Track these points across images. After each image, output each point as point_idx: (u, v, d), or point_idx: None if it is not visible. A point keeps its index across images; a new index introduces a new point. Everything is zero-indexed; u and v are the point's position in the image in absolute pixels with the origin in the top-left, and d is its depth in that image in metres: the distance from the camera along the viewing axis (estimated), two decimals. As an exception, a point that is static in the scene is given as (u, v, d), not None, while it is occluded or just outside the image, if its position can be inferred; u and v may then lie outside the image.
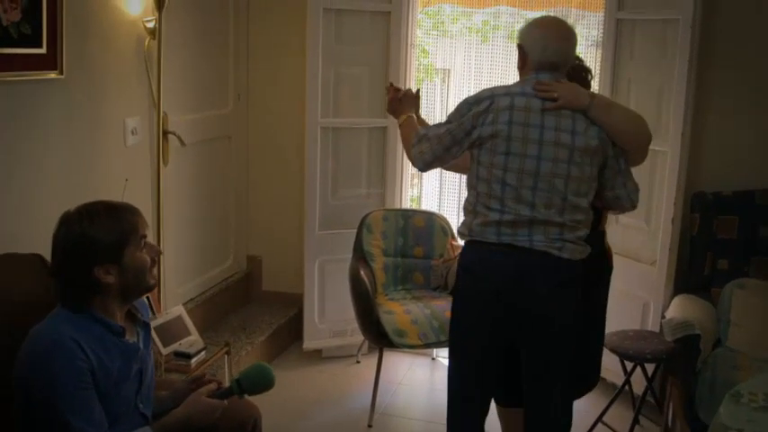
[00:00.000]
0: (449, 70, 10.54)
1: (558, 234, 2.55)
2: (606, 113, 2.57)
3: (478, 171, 2.62)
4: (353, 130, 4.36)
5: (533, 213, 2.54)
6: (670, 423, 3.05)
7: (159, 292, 3.53)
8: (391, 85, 3.17)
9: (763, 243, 3.86)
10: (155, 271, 2.27)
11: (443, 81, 10.72)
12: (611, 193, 2.69)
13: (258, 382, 2.41)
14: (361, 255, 4.08)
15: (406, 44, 4.34)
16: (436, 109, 11.48)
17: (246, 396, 2.41)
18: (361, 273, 3.85)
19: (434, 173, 5.11)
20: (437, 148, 2.67)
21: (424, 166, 2.78)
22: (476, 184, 2.64)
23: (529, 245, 2.55)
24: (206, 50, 4.22)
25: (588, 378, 3.10)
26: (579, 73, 2.87)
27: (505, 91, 2.59)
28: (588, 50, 4.94)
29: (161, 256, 3.61)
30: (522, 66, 2.66)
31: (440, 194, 5.14)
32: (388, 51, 4.30)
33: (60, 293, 2.18)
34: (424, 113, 3.19)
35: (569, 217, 2.56)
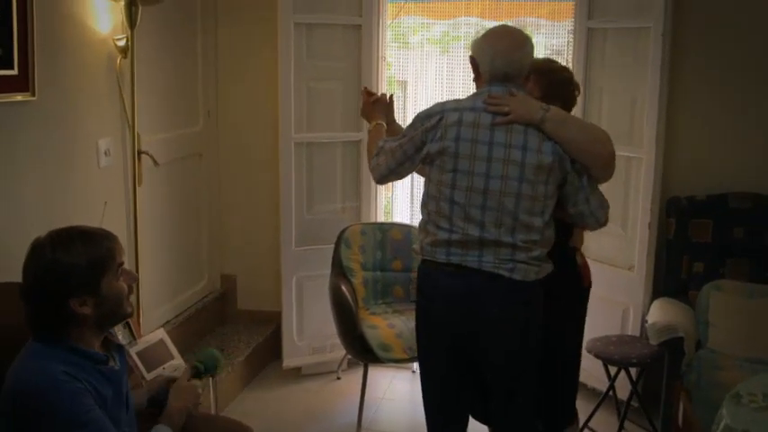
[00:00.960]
0: (405, 82, 10.57)
1: (509, 255, 2.47)
2: (561, 128, 2.45)
3: (429, 188, 2.58)
4: (327, 144, 4.33)
5: (483, 233, 2.47)
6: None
7: (138, 316, 3.45)
8: (365, 89, 3.16)
9: (736, 245, 3.91)
10: (131, 298, 2.17)
11: (402, 92, 10.75)
12: (574, 209, 2.59)
13: (214, 364, 2.74)
14: (340, 270, 4.04)
15: (377, 57, 4.32)
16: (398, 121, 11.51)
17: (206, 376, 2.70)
18: (343, 288, 3.82)
19: (406, 182, 5.11)
20: (390, 162, 2.64)
21: (379, 179, 2.76)
22: (427, 202, 2.59)
23: (478, 266, 2.48)
24: (175, 67, 4.16)
25: (565, 414, 3.00)
26: (566, 87, 2.81)
27: (455, 106, 2.53)
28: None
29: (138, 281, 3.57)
30: (477, 78, 2.60)
31: (411, 205, 5.12)
32: (360, 64, 4.28)
33: (33, 325, 2.05)
34: None
35: (521, 237, 2.47)
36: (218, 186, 4.65)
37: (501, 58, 2.49)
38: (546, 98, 2.58)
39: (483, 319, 2.54)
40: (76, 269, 1.98)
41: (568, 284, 2.80)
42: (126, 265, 2.15)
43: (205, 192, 4.53)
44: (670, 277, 3.98)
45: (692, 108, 3.98)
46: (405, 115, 5.75)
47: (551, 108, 2.46)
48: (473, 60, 2.59)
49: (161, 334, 3.35)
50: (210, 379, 3.09)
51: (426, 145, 2.52)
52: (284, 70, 4.10)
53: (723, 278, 3.87)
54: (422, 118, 2.55)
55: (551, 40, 5.02)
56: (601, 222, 2.62)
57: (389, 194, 5.16)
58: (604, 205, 2.62)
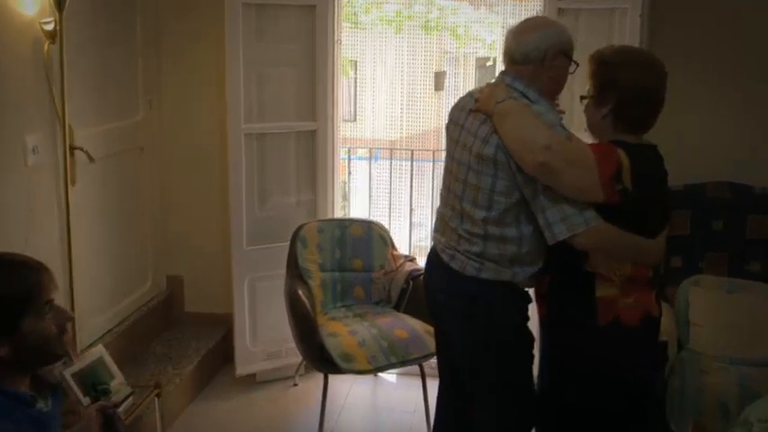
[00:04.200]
0: (355, 62, 10.33)
1: (454, 242, 2.47)
2: (500, 123, 2.30)
3: None
4: (280, 135, 4.02)
5: (444, 215, 2.55)
6: None
7: (73, 331, 3.12)
8: None
9: (716, 237, 3.75)
10: (66, 338, 1.85)
11: (355, 72, 10.50)
12: (537, 220, 2.35)
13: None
14: (296, 272, 3.75)
15: (332, 40, 4.02)
16: (347, 102, 11.24)
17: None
18: (299, 292, 3.53)
19: (364, 173, 4.84)
20: None
21: None
22: None
23: (434, 245, 2.60)
24: (112, 53, 3.79)
25: None
26: (617, 88, 2.36)
27: (473, 92, 2.56)
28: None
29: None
30: None
31: (369, 200, 4.83)
32: (314, 48, 3.97)
33: None
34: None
35: (465, 227, 2.43)
36: (163, 182, 4.30)
37: (507, 42, 2.45)
38: (601, 98, 2.39)
39: (435, 303, 2.64)
40: None
41: (575, 317, 2.43)
42: (59, 300, 1.84)
43: (148, 188, 4.19)
44: (647, 273, 3.77)
45: (667, 94, 3.74)
46: (357, 95, 5.45)
47: (507, 100, 2.32)
48: None
49: (100, 351, 3.06)
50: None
51: None
52: (232, 55, 3.76)
53: (702, 273, 3.71)
54: None
55: (517, 21, 4.74)
56: (557, 239, 2.27)
57: (346, 187, 4.87)
58: (561, 219, 2.26)
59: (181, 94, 4.24)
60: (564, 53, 2.42)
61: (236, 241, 3.94)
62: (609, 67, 2.37)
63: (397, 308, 3.80)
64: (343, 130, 4.56)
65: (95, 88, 3.62)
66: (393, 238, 4.06)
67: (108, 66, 3.74)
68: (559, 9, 3.68)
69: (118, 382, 2.98)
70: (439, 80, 11.16)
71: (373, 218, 4.70)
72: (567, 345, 2.47)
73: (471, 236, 2.41)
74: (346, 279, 3.88)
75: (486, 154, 2.34)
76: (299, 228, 3.83)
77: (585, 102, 2.45)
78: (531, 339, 2.58)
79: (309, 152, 4.09)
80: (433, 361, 3.48)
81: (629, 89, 2.33)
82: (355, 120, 11.40)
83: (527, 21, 2.51)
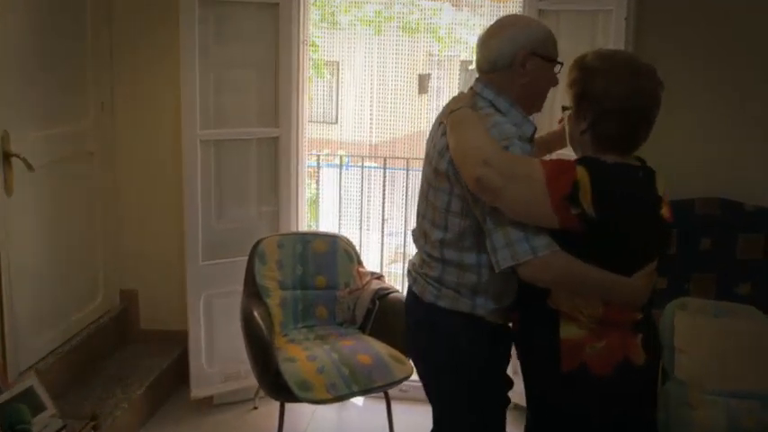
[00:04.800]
0: (337, 62, 10.08)
1: (419, 263, 2.29)
2: (449, 135, 2.08)
3: None
4: (240, 142, 3.76)
5: (413, 233, 2.36)
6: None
7: (4, 357, 2.86)
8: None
9: (703, 257, 3.52)
10: None
11: (332, 74, 10.25)
12: None
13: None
14: (253, 290, 3.49)
15: (298, 41, 3.75)
16: (325, 104, 11.00)
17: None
18: (255, 313, 3.27)
19: (334, 183, 4.57)
20: None
21: None
22: None
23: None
24: (57, 49, 3.50)
25: None
26: (592, 101, 2.08)
27: None
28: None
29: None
30: None
31: (339, 210, 4.56)
32: (278, 50, 3.70)
33: None
34: (316, 111, 2.66)
35: (426, 248, 2.24)
36: (115, 190, 4.02)
37: (476, 49, 2.22)
38: (579, 111, 2.09)
39: (407, 329, 2.41)
40: None
41: (538, 360, 2.17)
42: None
43: (98, 197, 3.90)
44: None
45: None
46: (337, 97, 5.23)
47: (461, 109, 2.09)
48: None
49: (32, 381, 2.79)
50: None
51: None
52: (187, 56, 3.50)
53: (688, 295, 3.47)
54: None
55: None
56: (500, 267, 2.01)
57: (314, 198, 4.61)
58: (506, 244, 1.99)
59: (136, 95, 3.96)
60: (537, 54, 2.13)
61: (192, 255, 3.68)
62: (588, 76, 2.06)
63: (362, 329, 3.54)
64: (324, 133, 4.31)
65: (38, 89, 3.33)
66: (363, 251, 3.81)
67: (53, 63, 3.46)
68: (540, 10, 3.45)
69: (48, 416, 2.72)
70: (423, 83, 10.92)
71: (345, 230, 4.44)
72: (531, 391, 2.23)
73: (431, 259, 2.21)
74: (308, 298, 3.61)
75: (440, 169, 2.12)
76: (258, 243, 3.57)
77: (567, 113, 2.16)
78: (507, 382, 2.32)
79: (271, 160, 3.83)
80: (404, 384, 3.28)
81: (607, 103, 2.02)
82: (337, 122, 11.17)
83: (495, 23, 2.23)
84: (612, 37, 3.22)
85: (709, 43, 3.54)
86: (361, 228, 4.49)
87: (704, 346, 3.27)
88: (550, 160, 2.03)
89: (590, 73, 2.06)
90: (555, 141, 2.49)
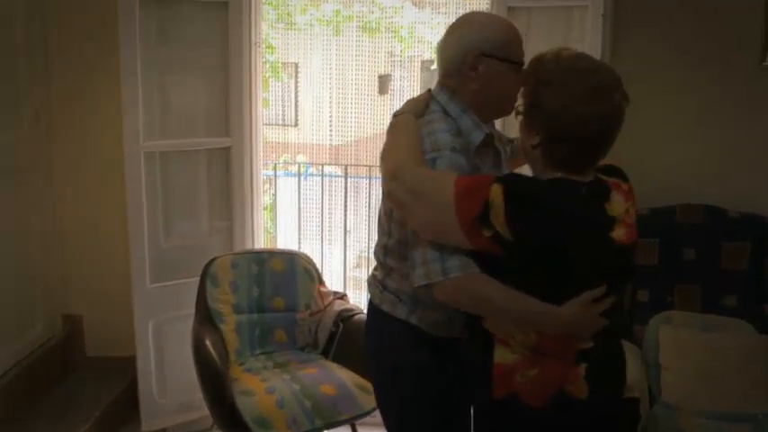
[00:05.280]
0: (296, 64, 9.83)
1: (375, 266, 2.19)
2: (387, 137, 1.98)
3: None
4: (188, 153, 3.49)
5: None
6: None
7: None
8: None
9: (687, 268, 3.33)
10: None
11: (290, 77, 9.99)
12: None
13: None
14: (206, 315, 3.21)
15: (250, 42, 3.48)
16: (285, 107, 10.76)
17: None
18: (207, 342, 3.00)
19: (292, 193, 4.30)
20: None
21: None
22: None
23: None
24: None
25: None
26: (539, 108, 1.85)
27: None
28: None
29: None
30: None
31: (298, 225, 4.27)
32: (228, 52, 3.43)
33: None
34: (274, 114, 2.41)
35: (375, 250, 2.15)
36: (53, 207, 3.71)
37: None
38: (529, 121, 1.84)
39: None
40: None
41: (472, 382, 1.96)
42: None
43: (34, 215, 3.59)
44: (609, 310, 3.30)
45: (631, 104, 3.30)
46: (296, 99, 5.03)
47: (403, 114, 1.96)
48: None
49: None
50: None
51: None
52: (128, 60, 3.21)
53: (672, 308, 3.28)
54: None
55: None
56: (416, 285, 1.87)
57: (271, 210, 4.33)
58: (423, 262, 1.83)
59: (73, 104, 3.67)
60: (490, 55, 1.89)
61: (138, 278, 3.39)
62: (541, 88, 1.78)
63: (325, 354, 3.29)
64: (283, 136, 4.06)
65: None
66: (326, 265, 3.55)
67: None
68: (509, 8, 3.23)
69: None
70: (383, 83, 10.71)
71: (305, 243, 4.17)
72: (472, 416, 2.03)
73: (378, 263, 2.13)
74: (266, 321, 3.35)
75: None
76: (209, 263, 3.30)
77: (520, 119, 1.90)
78: (450, 401, 2.09)
79: (224, 172, 3.56)
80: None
81: (560, 126, 1.75)
82: (297, 125, 10.95)
83: (452, 24, 2.03)
84: (588, 35, 3.02)
85: (693, 39, 3.36)
86: (322, 241, 4.21)
87: (691, 363, 3.11)
88: (467, 177, 1.80)
89: (543, 86, 1.77)
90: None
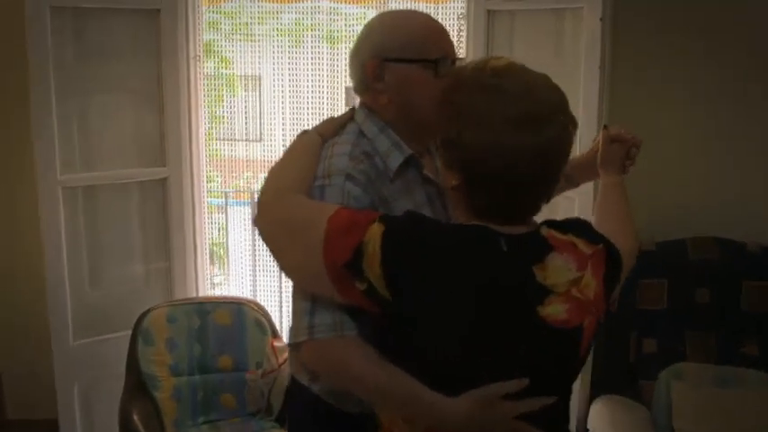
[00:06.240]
0: (259, 76, 9.42)
1: None
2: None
3: None
4: (117, 186, 3.04)
5: None
6: None
7: None
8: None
9: (701, 311, 2.92)
10: None
11: (253, 89, 9.56)
12: None
13: None
14: (137, 380, 2.73)
15: (187, 55, 3.01)
16: (248, 121, 10.35)
17: None
18: (135, 415, 2.52)
19: (248, 233, 3.80)
20: None
21: None
22: None
23: None
24: None
25: None
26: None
27: None
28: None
29: None
30: None
31: (254, 267, 3.76)
32: (161, 68, 2.96)
33: None
34: (230, 129, 2.01)
35: None
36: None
37: None
38: (446, 158, 1.38)
39: None
40: None
41: None
42: None
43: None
44: (612, 363, 2.90)
45: (631, 119, 2.90)
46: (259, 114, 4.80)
47: (306, 133, 1.61)
48: None
49: None
50: None
51: None
52: (38, 78, 2.75)
53: (684, 359, 2.86)
54: None
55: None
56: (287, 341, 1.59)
57: (219, 250, 3.83)
58: (297, 323, 1.47)
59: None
60: (394, 59, 1.49)
61: (59, 335, 2.95)
62: (455, 117, 1.33)
63: (280, 421, 2.80)
64: (248, 152, 3.71)
65: None
66: (284, 314, 3.08)
67: None
68: (488, 11, 2.80)
69: None
70: (350, 95, 10.36)
71: (261, 284, 3.68)
72: None
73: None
74: (210, 384, 2.86)
75: None
76: (141, 317, 2.83)
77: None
78: None
79: (159, 207, 3.11)
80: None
81: (477, 166, 1.30)
82: (261, 140, 10.60)
83: None
84: (584, 42, 2.59)
85: (700, 47, 2.99)
86: (281, 281, 3.67)
87: (710, 424, 2.65)
88: (349, 211, 1.36)
89: (457, 115, 1.32)
90: (579, 169, 1.78)
